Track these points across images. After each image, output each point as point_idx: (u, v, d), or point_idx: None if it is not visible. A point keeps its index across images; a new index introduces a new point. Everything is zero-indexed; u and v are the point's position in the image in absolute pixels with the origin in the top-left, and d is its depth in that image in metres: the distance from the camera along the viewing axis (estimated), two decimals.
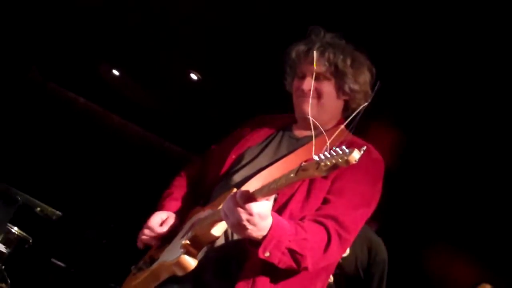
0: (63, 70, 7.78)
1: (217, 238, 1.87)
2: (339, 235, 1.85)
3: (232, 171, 2.09)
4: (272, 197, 1.70)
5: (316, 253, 1.81)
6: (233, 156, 2.15)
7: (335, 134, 1.99)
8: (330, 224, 1.84)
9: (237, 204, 1.64)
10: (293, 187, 1.90)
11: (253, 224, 1.67)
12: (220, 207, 1.86)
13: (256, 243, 1.73)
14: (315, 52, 2.08)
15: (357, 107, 2.12)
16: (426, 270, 5.60)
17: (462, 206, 5.24)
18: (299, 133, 2.14)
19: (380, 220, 5.93)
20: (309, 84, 2.08)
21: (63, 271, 6.89)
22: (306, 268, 1.81)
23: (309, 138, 2.03)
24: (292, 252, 1.76)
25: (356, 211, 1.91)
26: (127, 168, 8.10)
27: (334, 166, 1.45)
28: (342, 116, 2.18)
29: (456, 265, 5.27)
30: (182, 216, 2.12)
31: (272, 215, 1.72)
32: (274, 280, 1.84)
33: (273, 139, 2.17)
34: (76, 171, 7.92)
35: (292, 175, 1.57)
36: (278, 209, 1.87)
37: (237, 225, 1.68)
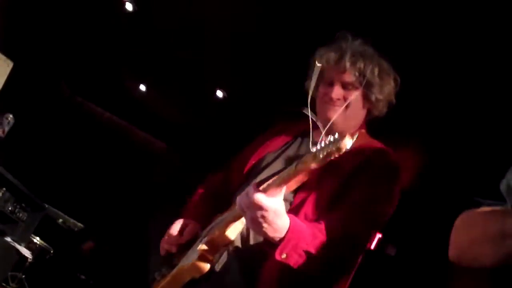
0: (91, 84, 7.89)
1: (232, 240, 1.89)
2: (354, 236, 1.86)
3: (250, 175, 2.10)
4: (282, 192, 1.69)
5: (331, 256, 1.80)
6: (253, 162, 2.16)
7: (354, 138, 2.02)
8: (346, 223, 1.84)
9: (251, 199, 1.65)
10: (309, 190, 1.90)
11: (269, 222, 1.67)
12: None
13: (274, 244, 1.74)
14: (347, 61, 2.07)
15: (379, 115, 2.17)
16: None
17: None
18: (319, 138, 2.15)
19: (399, 244, 5.94)
20: (338, 93, 2.08)
21: (83, 283, 6.93)
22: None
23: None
24: (309, 254, 1.75)
25: (370, 214, 1.92)
26: (151, 183, 8.15)
27: (328, 154, 1.48)
28: (364, 123, 2.20)
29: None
30: (204, 223, 2.13)
31: (289, 217, 1.73)
32: (294, 280, 1.83)
33: (292, 144, 2.18)
34: (101, 185, 7.99)
35: (292, 167, 1.60)
36: (293, 212, 1.86)
37: (253, 221, 1.68)
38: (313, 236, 1.76)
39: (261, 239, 1.86)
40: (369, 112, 2.17)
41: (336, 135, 1.47)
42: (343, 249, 1.83)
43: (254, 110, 6.26)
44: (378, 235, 5.92)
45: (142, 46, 6.41)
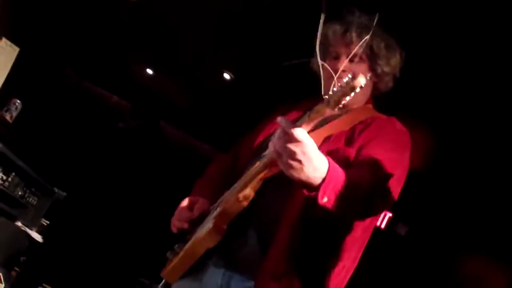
0: (97, 69, 7.89)
1: (245, 206, 1.86)
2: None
3: (259, 151, 2.08)
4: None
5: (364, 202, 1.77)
6: (261, 138, 2.15)
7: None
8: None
9: (291, 133, 1.56)
10: None
11: (309, 160, 1.57)
12: (252, 168, 1.89)
13: (312, 188, 1.65)
14: (353, 33, 2.08)
15: (385, 88, 2.19)
16: (458, 275, 5.54)
17: (497, 210, 5.18)
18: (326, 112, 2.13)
19: (411, 223, 5.94)
20: (344, 66, 2.08)
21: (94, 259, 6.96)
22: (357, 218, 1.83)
23: (336, 117, 2.04)
24: (346, 198, 1.69)
25: (387, 172, 1.87)
26: (159, 166, 8.16)
27: (343, 94, 1.48)
28: (370, 97, 2.21)
29: (490, 271, 5.21)
30: (213, 200, 2.12)
31: (327, 158, 1.66)
32: (307, 249, 1.83)
33: (299, 119, 2.19)
34: (109, 168, 8.01)
35: (305, 117, 1.60)
36: None
37: (293, 159, 1.58)
38: (349, 177, 1.70)
39: (273, 203, 1.87)
40: (375, 87, 2.19)
41: (349, 76, 1.48)
42: (374, 195, 1.77)
43: (262, 91, 6.25)
44: (389, 214, 5.92)
45: (148, 29, 6.38)
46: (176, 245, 2.14)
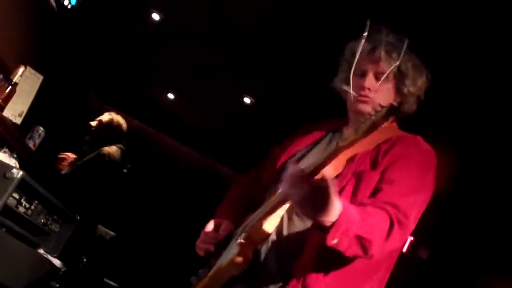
0: (120, 93, 7.98)
1: (270, 234, 1.87)
2: (399, 221, 1.78)
3: (282, 173, 2.10)
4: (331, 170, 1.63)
5: (381, 239, 1.75)
6: (283, 160, 2.15)
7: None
8: (389, 208, 1.78)
9: (299, 174, 1.58)
10: (343, 180, 1.87)
11: (321, 203, 1.58)
12: (274, 196, 1.88)
13: (322, 228, 1.66)
14: (382, 51, 2.05)
15: (409, 110, 2.14)
16: None
17: None
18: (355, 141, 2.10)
19: (433, 246, 5.89)
20: (371, 82, 2.06)
21: None
22: (372, 256, 1.76)
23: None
24: (360, 239, 1.69)
25: (410, 197, 1.85)
26: (179, 190, 8.19)
27: (373, 125, 1.47)
28: (395, 117, 2.16)
29: None
30: (237, 222, 2.11)
31: (340, 200, 1.65)
32: (327, 276, 1.81)
33: (322, 139, 2.17)
34: (130, 192, 8.05)
35: (332, 146, 1.58)
36: None
37: (304, 198, 1.59)
38: (362, 218, 1.70)
39: (296, 232, 1.87)
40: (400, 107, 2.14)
41: (379, 107, 1.47)
42: (389, 231, 1.77)
43: (282, 116, 6.27)
44: (410, 238, 5.88)
45: (170, 54, 6.46)
46: (201, 270, 2.14)
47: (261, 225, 1.87)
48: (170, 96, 7.61)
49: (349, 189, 1.88)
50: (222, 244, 2.07)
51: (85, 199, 5.14)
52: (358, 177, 1.89)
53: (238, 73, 6.11)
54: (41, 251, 4.06)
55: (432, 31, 3.89)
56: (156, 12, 5.67)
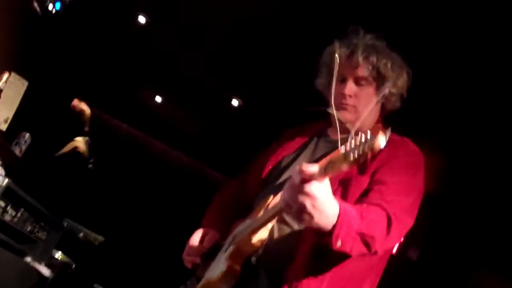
0: (107, 97, 7.93)
1: (259, 247, 1.84)
2: (396, 217, 1.77)
3: (269, 180, 2.07)
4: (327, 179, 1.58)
5: (382, 234, 1.74)
6: (270, 166, 2.12)
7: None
8: (385, 205, 1.77)
9: (299, 189, 1.54)
10: (333, 187, 1.76)
11: (319, 211, 1.56)
12: (261, 213, 1.86)
13: (324, 233, 1.63)
14: (359, 56, 2.02)
15: (392, 108, 2.12)
16: None
17: (509, 233, 5.13)
18: (334, 135, 2.07)
19: (422, 247, 5.89)
20: (351, 88, 2.04)
21: None
22: (375, 252, 1.75)
23: (345, 140, 2.00)
24: (362, 236, 1.68)
25: (402, 197, 1.84)
26: (168, 193, 8.17)
27: (362, 155, 1.40)
28: (379, 117, 2.15)
29: None
30: (223, 231, 2.09)
31: (337, 200, 1.63)
32: (319, 283, 1.80)
33: (308, 144, 2.14)
34: (119, 196, 8.02)
35: (322, 169, 1.51)
36: None
37: (303, 212, 1.57)
38: (361, 216, 1.68)
39: (285, 243, 1.85)
40: (383, 107, 2.13)
41: (368, 134, 1.40)
42: (388, 227, 1.75)
43: (270, 117, 6.25)
44: None
45: (157, 57, 6.43)
46: (189, 281, 2.11)
47: (250, 239, 1.84)
48: (158, 99, 7.58)
49: (337, 198, 1.86)
50: (208, 255, 2.05)
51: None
52: (345, 184, 1.86)
53: (225, 75, 6.09)
54: (28, 259, 4.03)
55: (418, 29, 3.88)
56: (142, 15, 5.63)
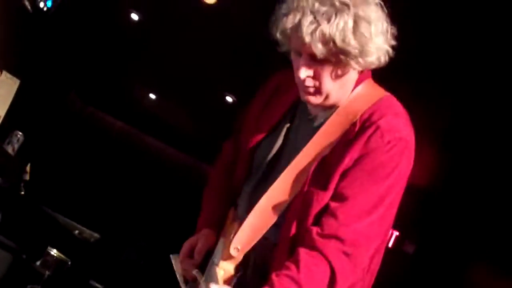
0: (101, 94, 7.92)
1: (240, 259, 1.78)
2: (346, 254, 1.62)
3: (253, 169, 1.89)
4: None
5: None
6: (252, 144, 1.88)
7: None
8: (330, 247, 1.61)
9: None
10: (291, 204, 1.71)
11: None
12: (221, 261, 1.81)
13: None
14: (303, 32, 1.56)
15: (379, 65, 1.68)
16: None
17: (505, 226, 5.13)
18: (314, 110, 1.81)
19: (418, 241, 5.90)
20: (306, 70, 1.65)
21: None
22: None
23: (321, 119, 1.79)
24: None
25: (362, 220, 1.63)
26: (164, 190, 8.16)
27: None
28: (368, 73, 1.79)
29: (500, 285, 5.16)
30: (221, 220, 1.97)
31: None
32: None
33: (287, 117, 1.88)
34: (114, 193, 8.02)
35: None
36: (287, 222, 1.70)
37: None
38: None
39: (266, 249, 1.77)
40: (362, 70, 1.74)
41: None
42: (332, 279, 1.62)
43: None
44: (396, 233, 5.87)
45: (151, 54, 6.42)
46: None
47: (231, 253, 1.77)
48: (152, 96, 7.57)
49: (296, 213, 1.71)
50: (201, 267, 2.00)
51: None
52: (307, 199, 1.68)
53: (219, 71, 6.08)
54: (23, 256, 4.04)
55: None
56: (135, 12, 5.62)
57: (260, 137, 1.88)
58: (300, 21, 1.57)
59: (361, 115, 1.70)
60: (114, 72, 7.21)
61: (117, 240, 7.55)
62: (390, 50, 1.67)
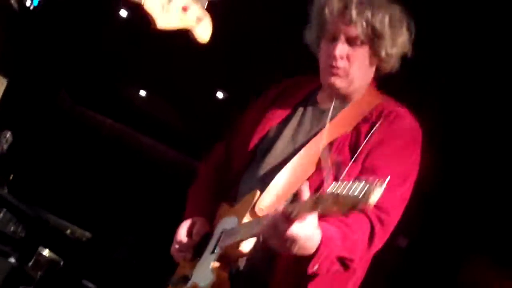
0: (91, 92, 7.88)
1: (246, 253, 1.78)
2: (381, 221, 1.72)
3: (255, 157, 1.97)
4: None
5: (363, 250, 1.71)
6: (256, 140, 1.99)
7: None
8: (371, 211, 1.68)
9: (281, 234, 1.52)
10: (321, 174, 1.73)
11: (303, 248, 1.55)
12: (247, 217, 1.80)
13: (303, 257, 1.62)
14: (353, 10, 1.79)
15: (390, 70, 1.93)
16: (460, 287, 5.50)
17: (498, 221, 5.13)
18: (323, 102, 1.96)
19: (411, 234, 5.90)
20: (343, 49, 1.83)
21: None
22: (354, 269, 1.76)
23: (334, 110, 1.91)
24: (341, 260, 1.66)
25: (392, 190, 1.67)
26: (155, 188, 8.14)
27: (353, 207, 1.32)
28: (373, 80, 1.97)
29: (492, 282, 5.17)
30: (211, 213, 2.02)
31: (320, 226, 1.57)
32: (304, 285, 1.76)
33: (294, 114, 2.00)
34: (105, 192, 7.98)
35: (308, 206, 1.46)
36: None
37: (283, 248, 1.56)
38: (344, 238, 1.64)
39: (267, 251, 1.75)
40: (378, 69, 1.94)
41: (363, 183, 1.30)
42: (371, 238, 1.72)
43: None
44: None
45: (140, 51, 6.38)
46: (176, 277, 2.04)
47: (237, 246, 1.77)
48: (142, 93, 7.54)
49: (329, 182, 1.79)
50: (198, 248, 1.97)
51: None
52: (337, 169, 1.72)
53: (210, 67, 6.05)
54: (12, 260, 4.00)
55: None
56: (123, 9, 5.58)
57: (266, 128, 2.00)
58: (348, 4, 1.81)
59: (375, 107, 1.89)
60: (104, 69, 7.17)
61: (109, 239, 7.52)
62: (408, 53, 1.91)
